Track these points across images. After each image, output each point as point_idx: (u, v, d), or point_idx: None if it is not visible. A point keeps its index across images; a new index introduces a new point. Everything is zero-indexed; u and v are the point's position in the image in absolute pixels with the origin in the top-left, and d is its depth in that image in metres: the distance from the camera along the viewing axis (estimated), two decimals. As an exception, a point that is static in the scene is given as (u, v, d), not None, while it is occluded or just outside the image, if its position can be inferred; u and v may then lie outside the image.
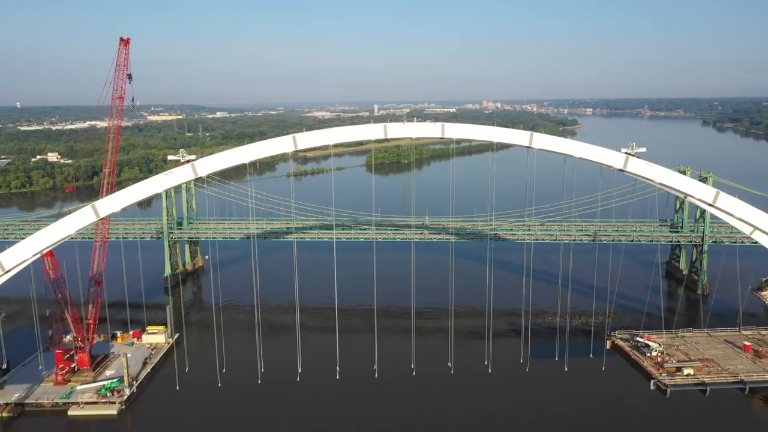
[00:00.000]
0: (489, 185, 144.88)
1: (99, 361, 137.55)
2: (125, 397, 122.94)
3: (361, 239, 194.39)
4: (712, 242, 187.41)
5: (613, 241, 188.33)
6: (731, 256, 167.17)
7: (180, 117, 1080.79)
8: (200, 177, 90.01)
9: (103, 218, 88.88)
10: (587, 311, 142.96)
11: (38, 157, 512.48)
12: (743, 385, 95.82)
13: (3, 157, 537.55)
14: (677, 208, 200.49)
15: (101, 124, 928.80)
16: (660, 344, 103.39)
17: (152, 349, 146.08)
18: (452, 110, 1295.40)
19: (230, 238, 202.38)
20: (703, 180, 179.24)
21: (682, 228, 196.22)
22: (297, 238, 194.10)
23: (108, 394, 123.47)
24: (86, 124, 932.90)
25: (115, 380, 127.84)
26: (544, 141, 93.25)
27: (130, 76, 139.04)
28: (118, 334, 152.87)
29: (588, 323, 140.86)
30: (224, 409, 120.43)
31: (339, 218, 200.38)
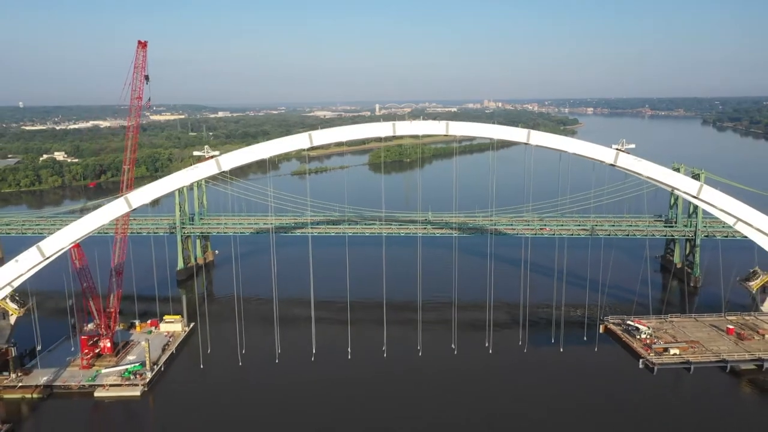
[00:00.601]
0: (489, 183, 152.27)
1: (120, 347, 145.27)
2: (147, 380, 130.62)
3: (368, 234, 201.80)
4: (705, 236, 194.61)
5: (609, 235, 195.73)
6: (724, 251, 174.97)
7: (182, 117, 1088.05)
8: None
9: (134, 209, 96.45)
10: (583, 302, 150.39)
11: (45, 156, 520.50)
12: (725, 364, 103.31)
13: (10, 156, 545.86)
14: (671, 204, 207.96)
15: (104, 123, 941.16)
16: (649, 327, 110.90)
17: (169, 337, 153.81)
18: (453, 110, 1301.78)
19: (241, 233, 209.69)
20: (696, 176, 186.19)
21: (675, 223, 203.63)
22: (311, 232, 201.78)
23: (131, 377, 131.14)
24: (89, 124, 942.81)
25: (137, 364, 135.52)
26: (540, 138, 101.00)
27: (147, 78, 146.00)
28: (137, 323, 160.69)
29: (583, 313, 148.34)
30: (244, 385, 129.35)
31: (347, 214, 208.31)
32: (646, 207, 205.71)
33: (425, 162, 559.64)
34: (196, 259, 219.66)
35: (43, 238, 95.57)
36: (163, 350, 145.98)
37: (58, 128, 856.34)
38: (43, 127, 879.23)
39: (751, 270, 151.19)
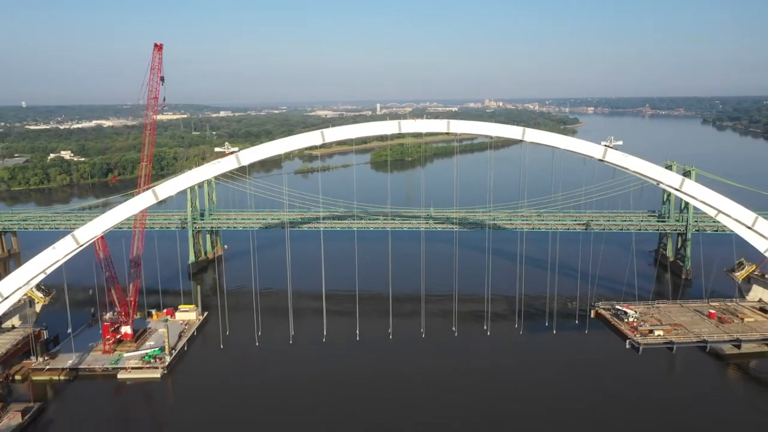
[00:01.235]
0: (488, 180, 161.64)
1: (139, 334, 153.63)
2: (166, 363, 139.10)
3: (372, 228, 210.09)
4: (696, 231, 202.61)
5: (603, 230, 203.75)
6: (715, 244, 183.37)
7: (185, 116, 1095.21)
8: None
9: (160, 200, 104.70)
10: (576, 292, 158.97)
11: (52, 155, 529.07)
12: (705, 344, 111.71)
13: (17, 155, 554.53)
14: (664, 200, 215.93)
15: (107, 123, 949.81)
16: (636, 312, 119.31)
17: (185, 325, 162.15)
18: (454, 109, 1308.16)
19: (250, 228, 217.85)
20: (687, 173, 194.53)
21: (668, 218, 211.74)
22: (322, 227, 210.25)
23: (151, 361, 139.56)
24: (93, 124, 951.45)
25: (156, 349, 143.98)
26: (534, 135, 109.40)
27: (162, 79, 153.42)
28: (153, 312, 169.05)
29: (576, 302, 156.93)
30: (261, 363, 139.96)
31: (354, 210, 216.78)
32: (640, 203, 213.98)
33: (426, 161, 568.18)
34: (206, 254, 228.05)
35: (60, 232, 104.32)
36: (180, 337, 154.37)
37: (62, 128, 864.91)
38: (47, 127, 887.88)
39: (737, 261, 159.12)
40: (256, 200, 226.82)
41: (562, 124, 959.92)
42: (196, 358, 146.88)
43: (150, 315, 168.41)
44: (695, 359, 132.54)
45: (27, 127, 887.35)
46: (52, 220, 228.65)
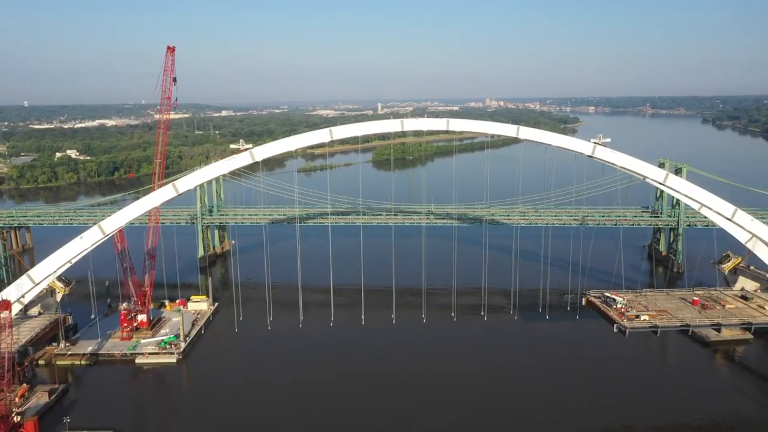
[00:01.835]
0: (486, 178, 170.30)
1: (154, 323, 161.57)
2: (181, 349, 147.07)
3: (375, 224, 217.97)
4: (687, 226, 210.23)
5: (598, 224, 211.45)
6: (706, 239, 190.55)
7: (187, 116, 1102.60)
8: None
9: (180, 194, 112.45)
10: (569, 283, 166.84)
11: (59, 154, 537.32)
12: (687, 328, 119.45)
13: (23, 154, 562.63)
14: (657, 196, 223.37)
15: (110, 122, 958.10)
16: (624, 298, 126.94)
17: (197, 315, 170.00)
18: (455, 108, 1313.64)
19: (258, 223, 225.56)
20: (678, 171, 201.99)
21: (661, 214, 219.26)
22: (330, 222, 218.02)
23: (167, 347, 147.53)
24: (96, 123, 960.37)
25: (172, 336, 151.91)
26: (528, 133, 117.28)
27: (174, 80, 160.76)
28: (167, 302, 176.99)
29: (569, 292, 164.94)
30: (273, 344, 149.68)
31: (359, 206, 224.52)
32: (634, 200, 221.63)
33: (427, 159, 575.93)
34: (214, 248, 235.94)
35: (73, 227, 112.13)
36: (193, 325, 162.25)
37: (65, 127, 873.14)
38: (51, 126, 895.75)
39: (724, 254, 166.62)
40: (263, 197, 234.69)
41: (563, 124, 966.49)
42: (209, 344, 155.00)
43: (163, 305, 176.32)
44: (675, 338, 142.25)
45: (31, 126, 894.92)
46: (65, 216, 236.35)
